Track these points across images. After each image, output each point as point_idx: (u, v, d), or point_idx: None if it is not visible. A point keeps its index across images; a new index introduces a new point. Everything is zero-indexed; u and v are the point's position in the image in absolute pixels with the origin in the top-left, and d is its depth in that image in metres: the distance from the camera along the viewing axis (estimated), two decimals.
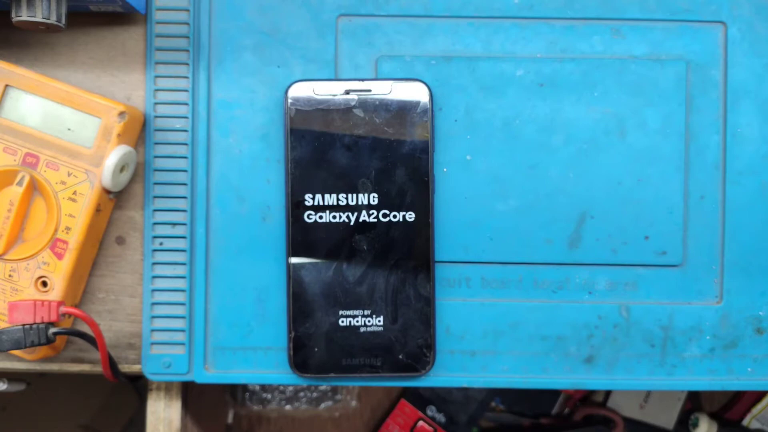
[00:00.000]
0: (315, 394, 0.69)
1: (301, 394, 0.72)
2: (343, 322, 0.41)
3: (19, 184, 0.39)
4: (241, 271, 0.42)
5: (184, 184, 0.42)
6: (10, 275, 0.40)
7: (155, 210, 0.42)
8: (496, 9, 0.42)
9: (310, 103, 0.40)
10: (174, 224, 0.42)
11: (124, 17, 0.42)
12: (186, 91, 0.42)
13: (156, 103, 0.42)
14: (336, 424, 0.70)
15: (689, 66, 0.42)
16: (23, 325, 0.38)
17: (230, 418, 0.68)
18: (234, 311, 0.42)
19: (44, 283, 0.40)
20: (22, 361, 0.43)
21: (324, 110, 0.40)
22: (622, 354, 0.42)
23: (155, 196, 0.42)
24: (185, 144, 0.42)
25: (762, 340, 0.42)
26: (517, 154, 0.42)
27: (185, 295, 0.42)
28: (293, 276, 0.41)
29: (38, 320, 0.38)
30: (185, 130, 0.42)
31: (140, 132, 0.42)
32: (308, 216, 0.41)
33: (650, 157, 0.42)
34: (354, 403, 0.69)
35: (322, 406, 0.69)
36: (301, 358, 0.41)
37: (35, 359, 0.42)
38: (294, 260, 0.41)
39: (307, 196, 0.41)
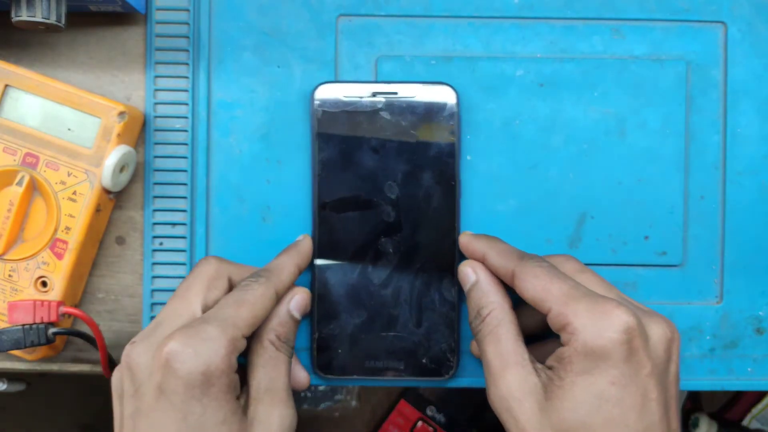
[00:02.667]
0: (315, 395, 0.69)
1: (302, 394, 0.72)
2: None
3: (19, 184, 0.39)
4: None
5: (184, 184, 0.42)
6: (9, 275, 0.40)
7: (155, 210, 0.42)
8: (496, 9, 0.42)
9: (336, 105, 0.40)
10: (174, 224, 0.42)
11: (124, 17, 0.42)
12: (186, 91, 0.42)
13: (156, 103, 0.42)
14: (336, 424, 0.69)
15: (689, 66, 0.42)
16: (23, 325, 0.38)
17: None
18: None
19: (44, 283, 0.40)
20: (22, 361, 0.43)
21: (350, 112, 0.40)
22: None
23: (155, 196, 0.42)
24: (185, 144, 0.42)
25: (762, 340, 0.42)
26: (517, 154, 0.42)
27: None
28: (318, 277, 0.41)
29: (38, 320, 0.38)
30: (185, 130, 0.42)
31: (140, 132, 0.42)
32: (334, 218, 0.41)
33: (650, 157, 0.42)
34: (354, 403, 0.69)
35: (322, 406, 0.69)
36: (324, 360, 0.41)
37: (35, 359, 0.42)
38: (319, 262, 0.41)
39: (334, 198, 0.40)
